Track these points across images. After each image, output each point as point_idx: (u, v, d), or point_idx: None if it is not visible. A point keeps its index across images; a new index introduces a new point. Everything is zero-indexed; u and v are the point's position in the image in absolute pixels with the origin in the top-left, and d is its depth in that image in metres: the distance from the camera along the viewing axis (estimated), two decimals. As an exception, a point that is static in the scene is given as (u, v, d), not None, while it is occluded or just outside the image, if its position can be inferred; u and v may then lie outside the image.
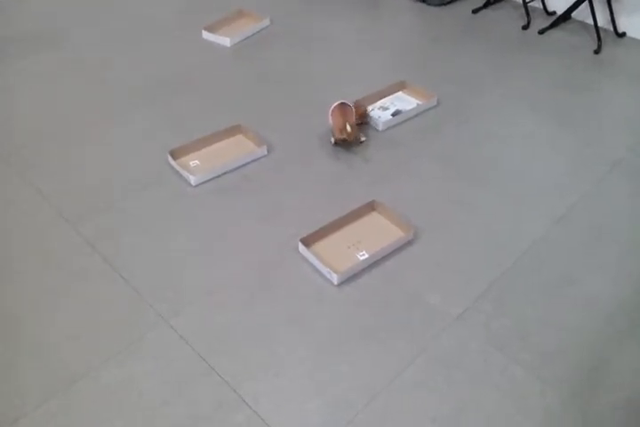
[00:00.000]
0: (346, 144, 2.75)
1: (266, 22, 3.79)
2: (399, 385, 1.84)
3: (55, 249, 2.30)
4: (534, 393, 1.82)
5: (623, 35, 3.68)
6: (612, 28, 3.65)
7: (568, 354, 1.93)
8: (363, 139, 2.78)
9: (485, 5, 4.00)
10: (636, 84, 3.24)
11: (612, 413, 1.78)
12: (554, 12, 3.93)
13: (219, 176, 2.63)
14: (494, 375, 1.87)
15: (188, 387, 1.84)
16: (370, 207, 2.43)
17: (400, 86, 3.18)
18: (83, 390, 1.83)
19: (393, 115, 2.98)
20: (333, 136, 2.73)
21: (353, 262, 2.20)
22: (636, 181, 2.59)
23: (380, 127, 2.89)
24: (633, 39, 3.66)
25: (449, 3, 4.08)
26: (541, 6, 3.93)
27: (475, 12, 3.98)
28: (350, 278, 2.18)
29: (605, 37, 3.60)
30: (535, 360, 1.91)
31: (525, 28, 3.77)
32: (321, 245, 2.29)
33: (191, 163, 2.70)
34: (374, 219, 2.42)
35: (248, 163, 2.70)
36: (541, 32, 3.71)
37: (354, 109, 2.76)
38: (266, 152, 2.75)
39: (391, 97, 3.14)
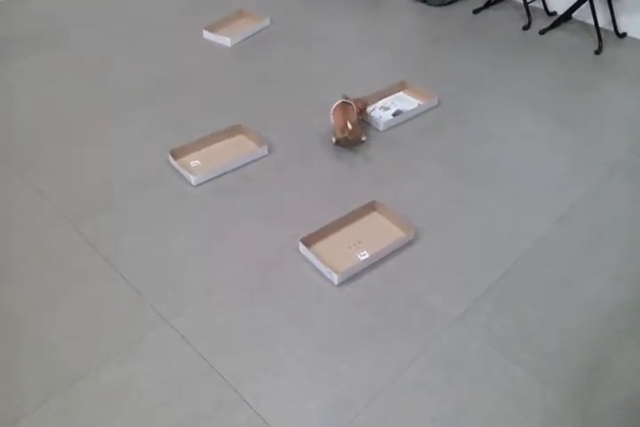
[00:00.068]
0: (347, 143, 2.74)
1: (266, 22, 3.79)
2: (399, 385, 1.84)
3: (55, 249, 2.30)
4: (534, 393, 1.82)
5: (624, 35, 3.68)
6: (612, 29, 3.65)
7: (568, 354, 1.93)
8: (363, 138, 2.78)
9: (486, 5, 4.00)
10: (636, 84, 3.23)
11: (612, 413, 1.77)
12: (554, 13, 3.93)
13: (219, 176, 2.63)
14: (494, 376, 1.87)
15: (188, 387, 1.84)
16: (370, 207, 2.43)
17: (401, 86, 3.18)
18: (83, 390, 1.83)
19: (394, 115, 2.98)
20: (335, 135, 2.73)
21: (353, 263, 2.20)
22: (636, 182, 2.59)
23: (381, 127, 2.89)
24: (634, 39, 3.66)
25: (450, 3, 4.08)
26: (542, 6, 3.93)
27: (475, 12, 3.98)
28: (351, 278, 2.18)
29: (606, 38, 3.59)
30: (535, 361, 1.91)
31: (526, 28, 3.77)
32: (321, 246, 2.29)
33: (192, 163, 2.70)
34: (375, 219, 2.42)
35: (249, 163, 2.70)
36: (542, 32, 3.71)
37: (355, 107, 2.76)
38: (266, 152, 2.75)
39: (392, 97, 3.14)
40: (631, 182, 2.59)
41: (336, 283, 2.14)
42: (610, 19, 3.62)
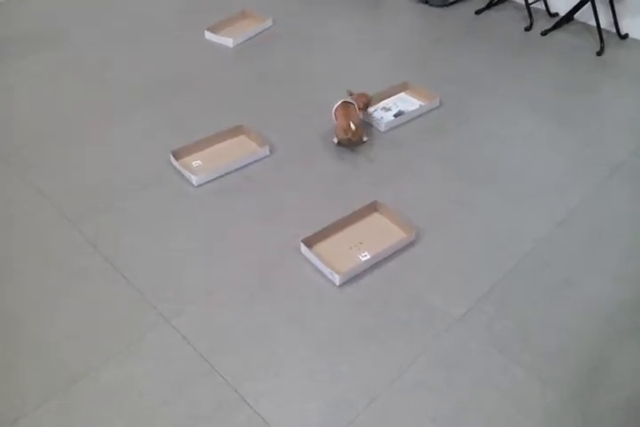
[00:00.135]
0: (349, 143, 2.74)
1: (268, 23, 3.79)
2: (400, 385, 1.84)
3: (55, 249, 2.30)
4: (534, 393, 1.82)
5: (626, 36, 3.68)
6: (614, 30, 3.65)
7: (568, 355, 1.92)
8: (365, 139, 2.78)
9: (488, 6, 4.00)
10: (637, 85, 3.23)
11: (612, 413, 1.77)
12: (556, 14, 3.93)
13: (221, 176, 2.63)
14: (495, 376, 1.86)
15: (188, 387, 1.84)
16: (372, 208, 2.43)
17: (403, 87, 3.18)
18: (83, 390, 1.83)
19: (395, 116, 2.98)
20: (337, 136, 2.73)
21: (355, 263, 2.19)
22: (636, 183, 2.59)
23: (383, 128, 2.89)
24: (635, 41, 3.66)
25: (451, 4, 4.08)
26: (544, 8, 3.93)
27: (477, 13, 3.98)
28: (352, 279, 2.17)
29: (608, 39, 3.59)
30: (536, 361, 1.90)
31: (528, 29, 3.77)
32: (323, 246, 2.29)
33: (193, 163, 2.70)
34: (376, 220, 2.42)
35: (250, 163, 2.70)
36: (544, 33, 3.71)
37: (356, 106, 2.77)
38: (268, 152, 2.75)
39: (394, 98, 3.14)
40: (631, 183, 2.59)
41: (338, 284, 2.14)
42: (612, 20, 3.62)
